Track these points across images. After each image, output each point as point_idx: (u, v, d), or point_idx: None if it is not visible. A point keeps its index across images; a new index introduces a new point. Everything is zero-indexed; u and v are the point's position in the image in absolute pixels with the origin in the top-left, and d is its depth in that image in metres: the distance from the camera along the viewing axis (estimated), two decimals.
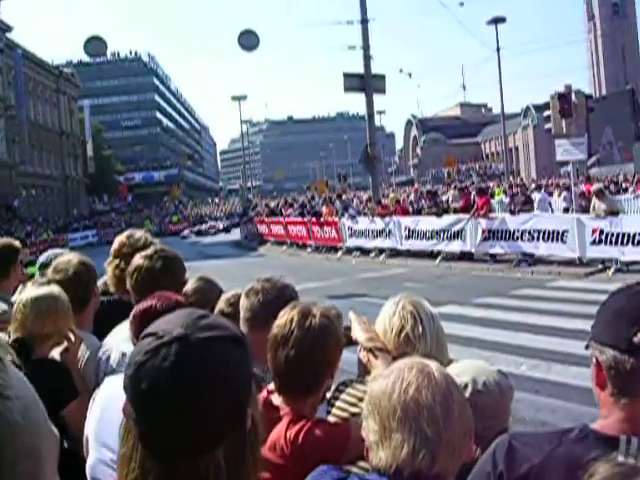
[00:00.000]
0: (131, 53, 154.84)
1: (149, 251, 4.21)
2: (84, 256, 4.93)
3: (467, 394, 2.81)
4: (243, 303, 3.75)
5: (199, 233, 63.46)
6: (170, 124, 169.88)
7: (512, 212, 23.52)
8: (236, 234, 53.21)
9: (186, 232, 65.96)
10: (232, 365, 1.56)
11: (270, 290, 3.69)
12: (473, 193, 29.73)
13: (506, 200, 28.42)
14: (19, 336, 3.85)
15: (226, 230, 64.64)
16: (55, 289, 4.06)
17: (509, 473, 2.14)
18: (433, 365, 2.00)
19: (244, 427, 1.57)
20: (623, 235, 19.46)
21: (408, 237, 26.91)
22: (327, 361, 2.84)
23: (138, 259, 4.13)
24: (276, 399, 2.86)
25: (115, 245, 4.88)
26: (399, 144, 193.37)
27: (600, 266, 20.62)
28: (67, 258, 4.78)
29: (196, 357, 1.52)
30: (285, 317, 2.87)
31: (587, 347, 2.22)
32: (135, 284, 4.05)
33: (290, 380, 2.79)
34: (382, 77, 35.99)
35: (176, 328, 1.57)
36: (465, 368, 2.95)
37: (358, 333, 3.16)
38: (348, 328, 3.19)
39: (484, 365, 3.09)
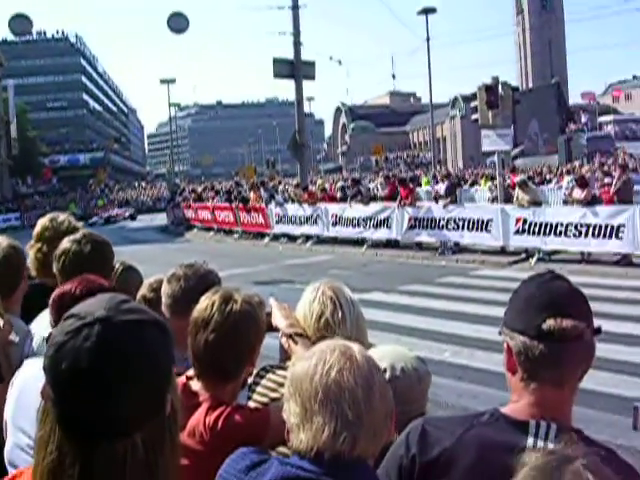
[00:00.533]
0: (58, 32, 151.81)
1: (77, 235, 4.13)
2: (13, 240, 4.83)
3: None
4: (165, 289, 3.73)
5: (108, 220, 62.18)
6: (97, 106, 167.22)
7: (436, 200, 23.77)
8: (156, 220, 52.92)
9: (95, 218, 64.75)
10: (153, 349, 1.55)
11: (192, 276, 3.68)
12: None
13: (437, 188, 28.58)
14: None
15: (132, 217, 63.61)
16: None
17: (421, 456, 2.17)
18: (355, 347, 1.99)
19: (163, 412, 1.57)
20: (546, 225, 19.87)
21: (335, 224, 27.02)
22: (247, 347, 2.84)
23: (66, 243, 4.06)
24: (195, 385, 2.84)
25: (38, 228, 4.79)
26: (328, 131, 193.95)
27: (523, 255, 21.04)
28: None
29: (118, 339, 1.51)
30: (206, 301, 2.86)
31: (500, 333, 2.26)
32: (62, 268, 3.98)
33: (210, 365, 2.77)
34: (312, 64, 35.98)
35: (99, 310, 1.55)
36: (384, 353, 2.97)
37: (278, 319, 3.16)
38: (270, 314, 3.18)
39: (403, 351, 3.11)
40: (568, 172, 36.20)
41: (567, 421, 2.21)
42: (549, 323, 2.10)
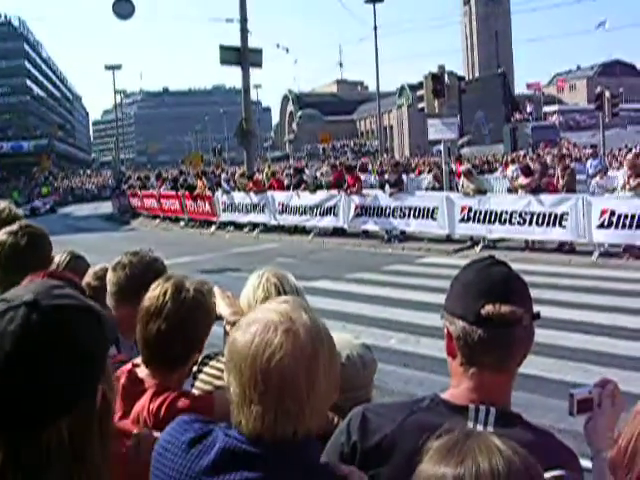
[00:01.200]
0: (0, 17, 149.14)
1: (14, 227, 4.07)
2: None
3: None
4: (110, 277, 3.73)
5: (33, 211, 61.01)
6: (41, 92, 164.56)
7: (383, 189, 23.85)
8: (101, 208, 52.39)
9: (37, 203, 63.60)
10: (81, 335, 1.53)
11: (137, 264, 3.67)
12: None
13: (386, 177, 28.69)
14: None
15: (52, 210, 62.44)
16: None
17: (362, 443, 2.19)
18: (300, 319, 1.90)
19: (92, 401, 1.55)
20: (490, 213, 20.08)
21: (282, 212, 26.99)
22: (198, 335, 2.84)
23: (2, 235, 4.00)
24: (142, 372, 2.84)
25: None
26: (275, 119, 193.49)
27: (468, 243, 21.25)
28: None
29: (43, 322, 1.49)
30: (158, 289, 2.85)
31: (442, 317, 2.29)
32: None
33: (159, 352, 2.77)
34: (259, 51, 35.83)
35: (27, 294, 1.53)
36: None
37: (222, 308, 3.16)
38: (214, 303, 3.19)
39: (348, 338, 3.14)
40: (513, 161, 36.52)
41: (507, 405, 2.24)
42: (487, 308, 2.13)
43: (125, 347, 3.79)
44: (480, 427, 2.12)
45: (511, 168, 30.49)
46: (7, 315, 1.49)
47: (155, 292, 2.84)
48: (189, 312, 2.76)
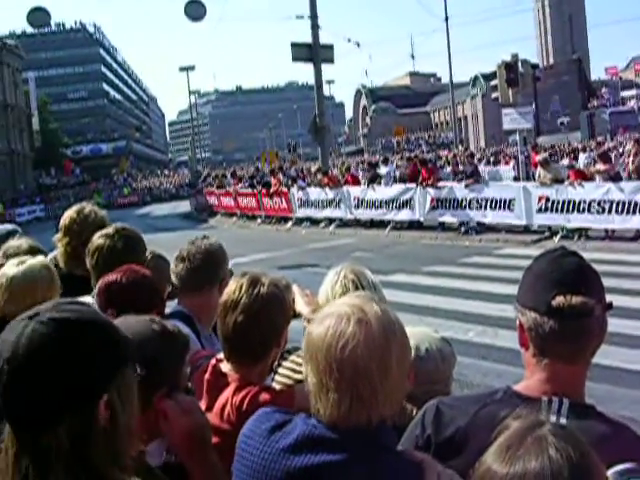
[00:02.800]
0: (76, 24, 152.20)
1: (110, 230, 4.17)
2: (33, 241, 4.93)
3: None
4: (173, 270, 3.86)
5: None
6: (117, 95, 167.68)
7: (460, 181, 23.65)
8: (179, 207, 52.99)
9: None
10: (76, 346, 1.64)
11: (195, 254, 3.79)
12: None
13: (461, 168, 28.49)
14: None
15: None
16: (36, 265, 3.96)
17: (436, 436, 2.22)
18: (371, 310, 1.97)
19: (89, 410, 1.65)
20: (569, 202, 19.76)
21: (357, 207, 26.98)
22: (274, 329, 2.89)
23: (98, 239, 4.09)
24: (225, 367, 2.90)
25: (65, 221, 4.85)
26: (349, 114, 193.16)
27: (546, 233, 20.94)
28: (17, 243, 4.78)
29: (37, 332, 1.62)
30: (234, 284, 2.93)
31: (515, 309, 2.29)
32: (96, 264, 4.02)
33: (237, 346, 2.84)
34: (330, 47, 35.84)
35: (33, 310, 1.69)
36: (409, 334, 3.01)
37: (301, 305, 3.21)
38: (293, 300, 3.24)
39: (428, 332, 3.16)
40: (584, 149, 35.80)
41: (580, 397, 2.24)
42: (558, 300, 2.13)
43: (205, 337, 3.91)
44: (553, 419, 2.09)
45: (583, 156, 29.97)
46: (14, 328, 1.64)
47: (231, 287, 2.92)
48: (264, 306, 2.81)
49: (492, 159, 43.56)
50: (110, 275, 3.34)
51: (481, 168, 30.80)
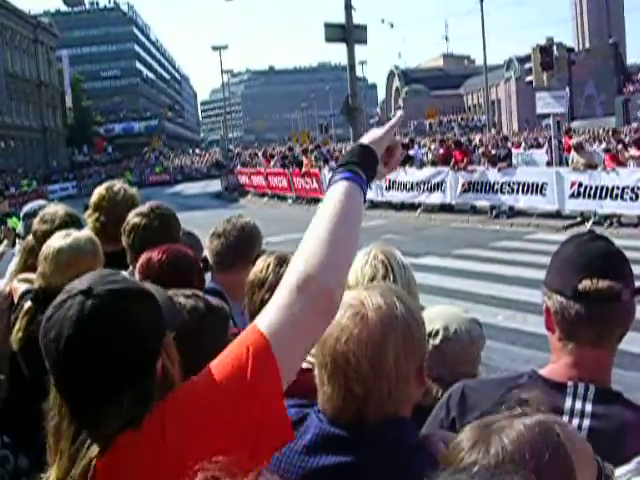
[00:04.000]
0: (110, 2, 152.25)
1: (144, 208, 4.21)
2: (69, 207, 4.99)
3: (437, 341, 2.90)
4: (208, 246, 3.90)
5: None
6: (150, 74, 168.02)
7: (493, 164, 23.53)
8: (210, 186, 53.06)
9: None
10: (133, 317, 1.68)
11: (231, 231, 3.82)
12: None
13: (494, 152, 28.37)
14: (41, 286, 3.85)
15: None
16: (81, 238, 3.98)
17: (461, 419, 2.21)
18: (372, 303, 1.92)
19: (150, 376, 1.70)
20: (601, 188, 19.62)
21: (388, 189, 26.94)
22: None
23: (134, 217, 4.13)
24: None
25: (94, 198, 4.91)
26: (381, 95, 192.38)
27: (579, 219, 20.82)
28: (53, 209, 4.84)
29: (97, 306, 1.64)
30: (262, 264, 2.97)
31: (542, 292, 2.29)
32: (132, 242, 4.06)
33: None
34: (364, 27, 35.60)
35: (83, 283, 1.69)
36: (439, 314, 3.02)
37: None
38: None
39: (458, 312, 3.15)
40: (615, 132, 35.38)
41: (606, 383, 2.22)
42: (585, 283, 2.13)
43: (236, 313, 3.94)
44: (579, 405, 2.11)
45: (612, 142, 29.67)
46: (66, 304, 1.65)
47: (259, 266, 2.98)
48: None
49: (525, 143, 43.26)
50: (152, 252, 3.38)
51: (514, 152, 30.58)
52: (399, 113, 2.61)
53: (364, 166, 2.17)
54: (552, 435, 1.45)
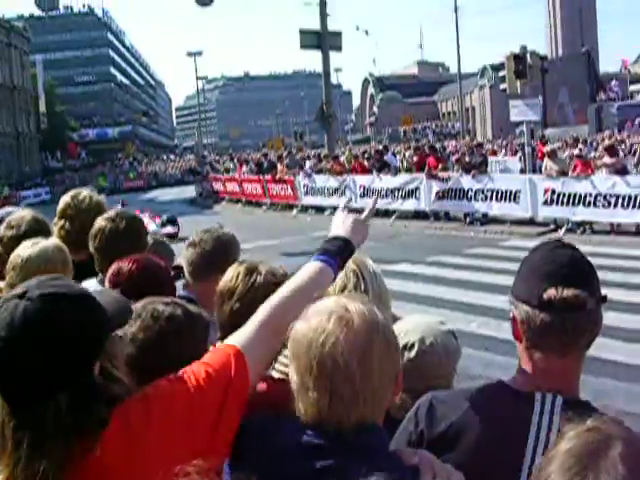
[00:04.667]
0: (84, 7, 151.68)
1: (111, 213, 4.23)
2: (38, 213, 4.94)
3: (413, 354, 2.87)
4: (184, 255, 3.88)
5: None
6: (124, 80, 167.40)
7: (467, 171, 23.61)
8: (185, 193, 52.97)
9: None
10: (66, 319, 1.72)
11: (207, 241, 3.81)
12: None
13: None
14: None
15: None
16: (49, 247, 3.99)
17: (429, 431, 2.21)
18: (355, 308, 1.95)
19: (87, 377, 1.75)
20: (574, 195, 19.75)
21: (363, 195, 26.92)
22: None
23: (100, 221, 4.13)
24: None
25: (60, 205, 4.90)
26: (356, 102, 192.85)
27: (552, 226, 20.94)
28: (20, 215, 4.80)
29: (28, 310, 1.69)
30: (231, 272, 2.94)
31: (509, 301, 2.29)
32: (99, 246, 4.06)
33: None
34: (338, 34, 35.80)
35: (21, 288, 1.77)
36: (415, 326, 2.98)
37: None
38: None
39: (434, 323, 3.11)
40: (585, 142, 35.74)
41: (574, 392, 2.21)
42: (550, 293, 2.11)
43: (212, 325, 3.91)
44: (546, 416, 2.10)
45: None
46: (2, 307, 1.72)
47: (228, 275, 2.93)
48: (260, 294, 2.79)
49: (499, 151, 43.50)
50: (122, 262, 3.35)
51: (490, 159, 30.75)
52: (372, 201, 3.03)
53: (340, 256, 2.56)
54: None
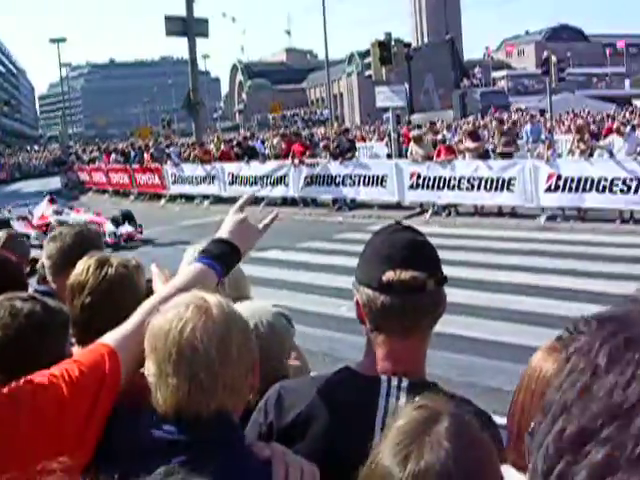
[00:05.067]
0: None
1: None
2: None
3: None
4: (44, 250, 3.78)
5: None
6: None
7: (335, 157, 23.80)
8: (50, 184, 51.62)
9: None
10: None
11: (67, 235, 3.71)
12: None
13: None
14: None
15: None
16: None
17: (278, 422, 2.20)
18: (213, 300, 1.97)
19: None
20: (439, 179, 20.21)
21: (232, 183, 26.85)
22: (124, 310, 2.81)
23: None
24: (76, 352, 2.80)
25: None
26: (225, 89, 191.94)
27: (418, 209, 21.38)
28: None
29: None
30: (82, 266, 2.85)
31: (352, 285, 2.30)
32: None
33: (86, 329, 2.74)
34: (205, 21, 35.50)
35: None
36: (243, 311, 2.96)
37: (158, 285, 3.13)
38: (151, 281, 3.16)
39: (264, 306, 3.09)
40: (449, 127, 36.72)
41: (420, 374, 2.24)
42: (388, 275, 2.13)
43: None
44: (393, 399, 2.12)
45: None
46: None
47: (78, 269, 2.86)
48: (111, 287, 2.75)
49: (368, 137, 44.07)
50: None
51: (358, 145, 31.11)
52: (246, 196, 3.01)
53: (224, 262, 2.49)
54: None
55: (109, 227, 20.70)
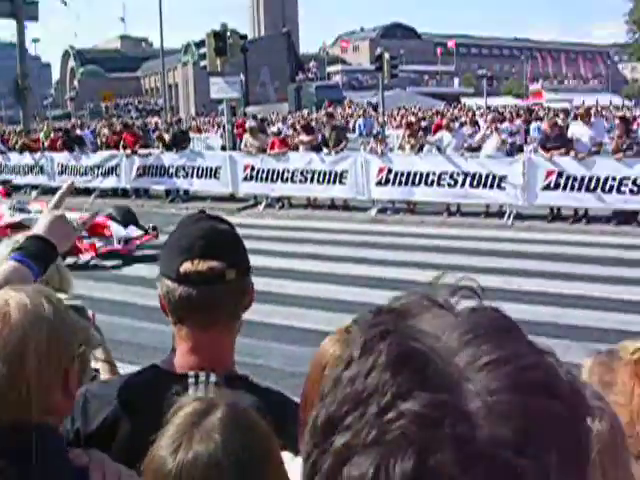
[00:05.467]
0: None
1: None
2: None
3: None
4: None
5: None
6: None
7: (168, 148, 23.52)
8: None
9: None
10: None
11: None
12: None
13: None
14: None
15: None
16: None
17: (85, 428, 2.10)
18: (17, 301, 1.85)
19: None
20: (273, 171, 20.34)
21: (62, 173, 26.00)
22: None
23: None
24: None
25: None
26: (56, 75, 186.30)
27: (252, 201, 21.41)
28: None
29: None
30: None
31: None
32: None
33: None
34: (35, 3, 34.32)
35: None
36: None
37: None
38: None
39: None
40: (284, 120, 37.08)
41: (229, 367, 2.19)
42: (185, 266, 2.08)
43: None
44: (201, 395, 2.06)
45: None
46: None
47: None
48: None
49: (203, 128, 43.83)
50: None
51: (193, 136, 30.87)
52: (66, 185, 2.82)
53: (42, 261, 2.30)
54: None
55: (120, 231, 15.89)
